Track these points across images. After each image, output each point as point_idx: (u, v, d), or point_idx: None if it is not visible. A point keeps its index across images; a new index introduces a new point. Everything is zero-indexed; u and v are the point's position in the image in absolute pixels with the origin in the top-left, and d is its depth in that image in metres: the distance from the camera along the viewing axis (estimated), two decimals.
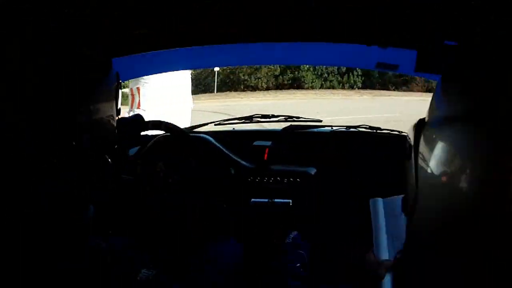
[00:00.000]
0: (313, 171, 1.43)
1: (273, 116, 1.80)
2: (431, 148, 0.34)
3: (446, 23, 0.57)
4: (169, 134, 1.23)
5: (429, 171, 0.34)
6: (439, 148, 0.33)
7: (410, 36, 0.66)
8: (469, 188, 0.29)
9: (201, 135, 1.52)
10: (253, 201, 1.38)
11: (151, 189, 1.16)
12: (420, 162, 0.36)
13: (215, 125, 1.80)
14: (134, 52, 0.99)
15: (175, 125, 1.18)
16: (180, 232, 1.07)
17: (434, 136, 0.34)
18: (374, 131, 1.64)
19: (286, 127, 1.64)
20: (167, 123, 1.18)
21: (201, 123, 1.73)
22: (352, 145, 1.55)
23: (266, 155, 1.46)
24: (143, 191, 1.15)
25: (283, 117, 1.76)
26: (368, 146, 1.54)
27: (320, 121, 1.75)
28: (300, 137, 1.62)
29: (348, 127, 1.70)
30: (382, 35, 0.69)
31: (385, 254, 0.82)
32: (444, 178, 0.31)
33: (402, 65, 1.08)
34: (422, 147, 0.36)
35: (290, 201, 1.36)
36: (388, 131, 1.65)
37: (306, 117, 1.78)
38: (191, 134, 1.48)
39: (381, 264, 0.80)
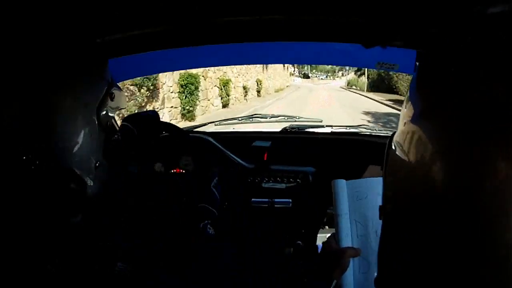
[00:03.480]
0: (312, 171, 1.43)
1: (273, 116, 1.80)
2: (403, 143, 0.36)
3: (446, 23, 0.57)
4: (168, 134, 1.23)
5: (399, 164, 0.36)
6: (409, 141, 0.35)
7: (410, 36, 0.66)
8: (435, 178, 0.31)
9: (201, 135, 1.52)
10: (253, 201, 1.38)
11: (151, 189, 1.16)
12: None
13: (215, 125, 1.80)
14: (134, 52, 0.98)
15: (175, 125, 1.18)
16: (179, 231, 1.07)
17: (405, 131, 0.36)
18: (374, 131, 1.65)
19: (286, 127, 1.65)
20: (166, 123, 1.18)
21: (201, 123, 1.73)
22: (352, 145, 1.56)
23: (263, 156, 1.46)
24: (143, 191, 1.15)
25: (283, 117, 1.76)
26: (368, 146, 1.54)
27: (320, 121, 1.76)
28: (300, 137, 1.62)
29: (348, 127, 1.70)
30: (382, 35, 0.69)
31: (347, 240, 0.80)
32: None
33: (402, 64, 1.08)
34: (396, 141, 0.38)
35: (290, 200, 1.36)
36: (388, 131, 1.65)
37: (306, 117, 1.79)
38: (191, 134, 1.48)
39: (344, 252, 0.77)
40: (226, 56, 1.25)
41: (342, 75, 61.08)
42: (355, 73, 36.72)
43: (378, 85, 22.23)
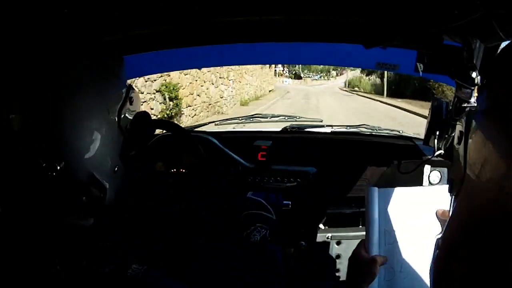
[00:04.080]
0: (313, 171, 1.43)
1: (273, 115, 1.80)
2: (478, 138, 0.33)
3: (446, 23, 0.57)
4: (169, 133, 1.24)
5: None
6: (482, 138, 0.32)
7: (410, 36, 0.66)
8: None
9: (202, 134, 1.52)
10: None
11: (151, 188, 1.16)
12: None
13: (215, 124, 1.80)
14: (134, 52, 0.99)
15: (176, 124, 1.18)
16: (179, 231, 1.07)
17: (480, 126, 0.33)
18: (375, 130, 1.65)
19: (286, 127, 1.65)
20: (167, 121, 1.18)
21: (201, 122, 1.73)
22: (352, 145, 1.56)
23: (263, 155, 1.46)
24: (143, 191, 1.15)
25: (283, 117, 1.77)
26: (369, 146, 1.54)
27: (321, 120, 1.76)
28: (300, 137, 1.62)
29: (349, 126, 1.70)
30: (382, 35, 0.69)
31: (376, 248, 0.80)
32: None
33: (402, 65, 1.08)
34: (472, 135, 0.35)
35: (290, 202, 1.36)
36: (388, 131, 1.65)
37: (306, 117, 1.79)
38: (192, 134, 1.48)
39: (374, 260, 0.77)
40: (226, 56, 1.25)
41: (337, 74, 56.99)
42: (361, 72, 30.81)
43: (401, 89, 17.16)
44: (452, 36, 0.61)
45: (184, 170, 1.23)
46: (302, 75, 55.04)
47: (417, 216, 0.79)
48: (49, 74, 0.51)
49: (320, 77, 60.24)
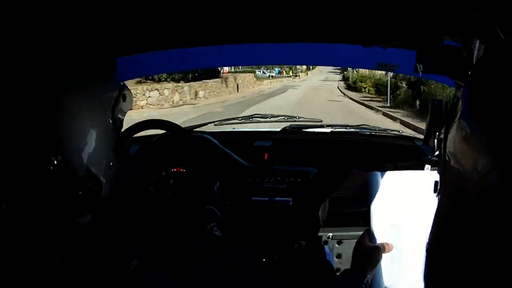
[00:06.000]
0: (313, 171, 1.43)
1: (273, 116, 1.80)
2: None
3: (446, 23, 0.58)
4: (169, 133, 1.23)
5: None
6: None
7: (410, 36, 0.66)
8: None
9: (201, 134, 1.52)
10: (253, 200, 1.38)
11: (149, 188, 1.16)
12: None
13: (215, 125, 1.80)
14: (134, 53, 0.99)
15: (176, 124, 1.18)
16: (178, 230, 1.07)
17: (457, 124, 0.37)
18: (375, 131, 1.65)
19: (286, 127, 1.65)
20: (168, 121, 1.18)
21: (201, 122, 1.73)
22: (352, 145, 1.56)
23: (263, 156, 1.46)
24: (143, 191, 1.15)
25: (283, 117, 1.77)
26: (368, 146, 1.54)
27: (320, 120, 1.76)
28: (300, 137, 1.62)
29: (349, 127, 1.70)
30: (382, 35, 0.70)
31: (380, 232, 0.81)
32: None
33: (402, 65, 1.08)
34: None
35: (290, 199, 1.36)
36: (388, 131, 1.65)
37: (306, 117, 1.79)
38: (192, 134, 1.48)
39: (377, 248, 0.78)
40: (226, 56, 1.25)
41: (308, 69, 43.35)
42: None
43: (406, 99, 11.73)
44: (452, 36, 0.61)
45: (184, 170, 1.23)
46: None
47: (421, 198, 0.79)
48: (47, 73, 0.52)
49: (279, 72, 37.08)
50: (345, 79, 30.77)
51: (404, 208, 0.82)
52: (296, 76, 40.31)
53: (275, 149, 1.48)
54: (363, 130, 1.65)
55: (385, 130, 1.66)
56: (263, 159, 1.45)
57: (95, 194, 0.57)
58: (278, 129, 1.66)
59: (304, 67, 42.10)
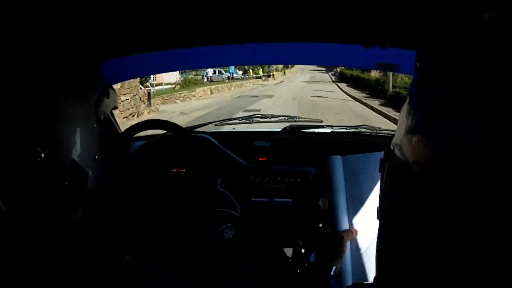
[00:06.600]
0: (313, 171, 1.43)
1: (273, 116, 1.80)
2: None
3: (446, 23, 0.57)
4: (169, 133, 1.23)
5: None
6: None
7: (410, 36, 0.66)
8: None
9: (201, 134, 1.52)
10: (253, 201, 1.38)
11: (150, 188, 1.16)
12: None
13: (215, 125, 1.80)
14: (133, 53, 0.99)
15: (177, 124, 1.18)
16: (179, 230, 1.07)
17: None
18: (375, 131, 1.64)
19: (286, 127, 1.65)
20: (168, 121, 1.18)
21: (201, 123, 1.73)
22: (352, 145, 1.55)
23: (263, 156, 1.46)
24: (143, 191, 1.15)
25: (283, 117, 1.77)
26: (368, 146, 1.54)
27: (321, 121, 1.76)
28: (300, 137, 1.62)
29: (349, 127, 1.70)
30: (382, 35, 0.69)
31: (344, 217, 0.77)
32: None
33: (402, 65, 1.08)
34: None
35: (290, 200, 1.36)
36: (388, 132, 1.65)
37: (306, 117, 1.79)
38: (192, 134, 1.48)
39: (341, 237, 0.75)
40: (226, 56, 1.25)
41: (286, 67, 33.54)
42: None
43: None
44: (452, 36, 0.61)
45: (184, 170, 1.23)
46: (210, 74, 24.71)
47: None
48: (32, 71, 0.54)
49: (244, 72, 28.67)
50: (342, 77, 24.95)
51: (369, 192, 0.78)
52: (269, 76, 29.18)
53: (275, 149, 1.48)
54: (363, 131, 1.65)
55: (385, 130, 1.66)
56: (262, 161, 1.45)
57: (81, 185, 0.59)
58: (279, 129, 1.66)
59: (280, 66, 32.64)
